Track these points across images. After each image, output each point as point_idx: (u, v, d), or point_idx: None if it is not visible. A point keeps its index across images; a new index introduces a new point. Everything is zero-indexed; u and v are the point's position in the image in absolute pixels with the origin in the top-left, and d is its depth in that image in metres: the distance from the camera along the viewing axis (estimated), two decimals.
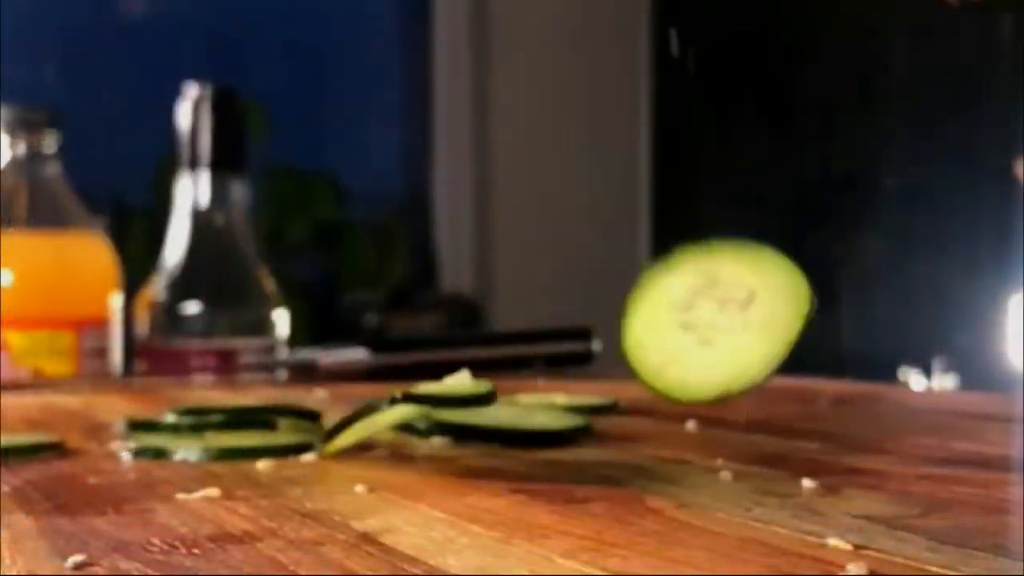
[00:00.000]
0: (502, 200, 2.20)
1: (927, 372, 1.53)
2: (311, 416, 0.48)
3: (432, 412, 0.49)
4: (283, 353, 0.92)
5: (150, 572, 0.27)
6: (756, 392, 0.42)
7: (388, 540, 0.29)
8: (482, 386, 0.41)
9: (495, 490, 0.36)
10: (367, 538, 0.30)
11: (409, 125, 2.14)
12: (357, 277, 2.02)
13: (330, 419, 0.46)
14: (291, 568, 0.27)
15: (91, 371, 0.90)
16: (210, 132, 0.91)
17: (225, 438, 0.44)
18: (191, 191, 0.92)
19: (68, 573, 0.27)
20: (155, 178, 1.58)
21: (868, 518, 0.31)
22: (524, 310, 2.08)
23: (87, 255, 0.94)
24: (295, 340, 0.95)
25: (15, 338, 0.89)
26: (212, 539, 0.30)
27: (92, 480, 0.38)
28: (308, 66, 1.91)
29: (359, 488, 0.36)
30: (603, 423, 0.51)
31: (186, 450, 0.42)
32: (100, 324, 0.91)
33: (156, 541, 0.30)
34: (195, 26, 1.77)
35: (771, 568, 0.26)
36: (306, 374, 0.79)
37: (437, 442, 0.47)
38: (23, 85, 1.36)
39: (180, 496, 0.35)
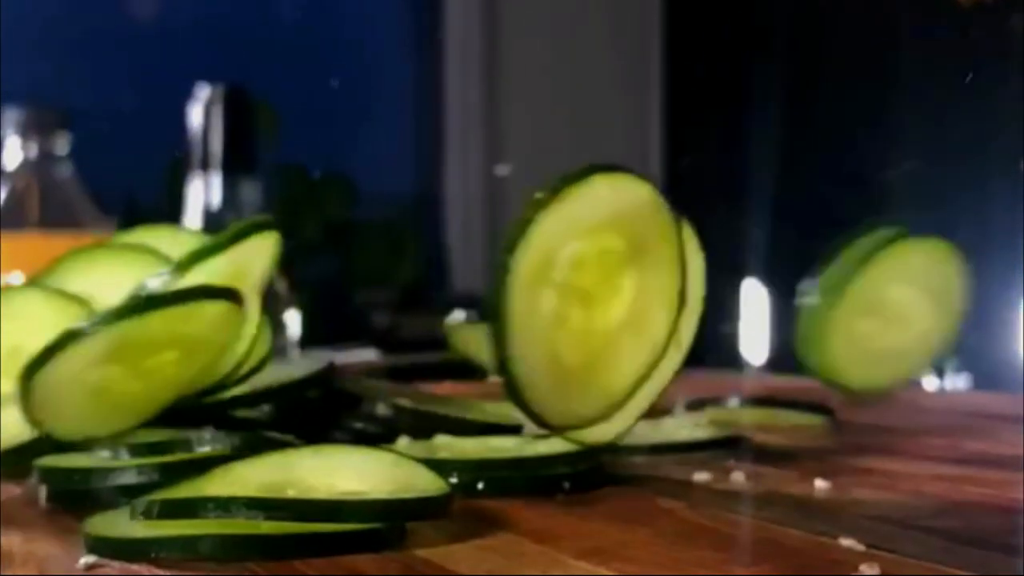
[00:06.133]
0: (514, 199, 2.19)
1: (939, 372, 1.52)
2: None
3: (437, 408, 0.48)
4: (295, 354, 0.92)
5: (160, 572, 0.27)
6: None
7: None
8: None
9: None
10: None
11: (420, 124, 2.14)
12: (369, 277, 2.02)
13: None
14: (300, 567, 0.27)
15: None
16: (221, 133, 0.91)
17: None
18: (202, 192, 0.92)
19: (80, 574, 0.27)
20: (167, 179, 1.59)
21: (881, 518, 0.31)
22: None
23: None
24: (307, 341, 0.95)
25: None
26: None
27: None
28: (319, 66, 1.91)
29: None
30: None
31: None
32: None
33: None
34: (206, 27, 1.77)
35: (784, 569, 0.26)
36: None
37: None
38: (35, 86, 1.37)
39: None
